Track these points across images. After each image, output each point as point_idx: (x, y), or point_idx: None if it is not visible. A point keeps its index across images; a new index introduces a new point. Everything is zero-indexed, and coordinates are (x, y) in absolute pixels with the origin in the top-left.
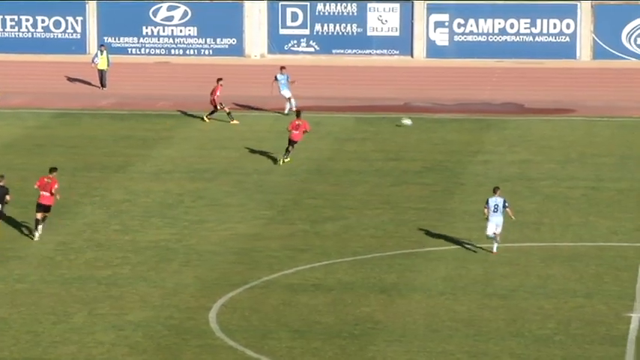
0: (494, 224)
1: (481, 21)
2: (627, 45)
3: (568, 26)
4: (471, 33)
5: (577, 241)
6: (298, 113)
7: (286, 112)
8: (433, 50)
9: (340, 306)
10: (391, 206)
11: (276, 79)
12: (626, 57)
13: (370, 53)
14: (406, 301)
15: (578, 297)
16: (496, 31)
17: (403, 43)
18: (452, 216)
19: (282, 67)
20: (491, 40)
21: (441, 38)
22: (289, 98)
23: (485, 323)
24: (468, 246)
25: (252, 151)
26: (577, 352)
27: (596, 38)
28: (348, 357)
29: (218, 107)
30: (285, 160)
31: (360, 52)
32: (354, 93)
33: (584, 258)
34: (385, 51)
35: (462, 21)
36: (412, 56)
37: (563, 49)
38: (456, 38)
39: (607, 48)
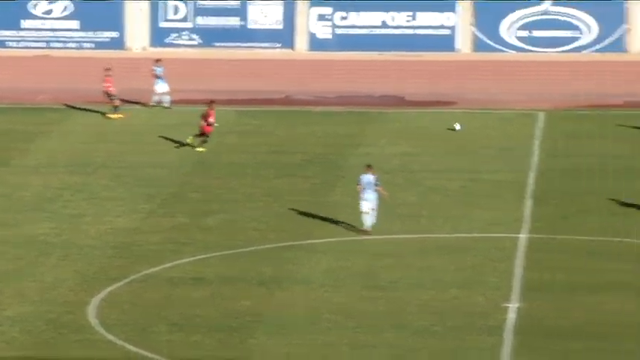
0: (368, 201)
1: (363, 14)
2: (506, 38)
3: (448, 19)
4: (353, 26)
5: (456, 232)
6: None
7: (152, 103)
8: (315, 43)
9: (220, 299)
10: (274, 199)
11: (154, 71)
12: (506, 50)
13: (252, 46)
14: (287, 294)
15: (457, 288)
16: (378, 24)
17: (285, 36)
18: (334, 208)
19: (158, 60)
20: (372, 32)
21: (323, 31)
22: (163, 92)
23: (365, 315)
24: (350, 238)
25: (133, 144)
26: (455, 344)
27: (475, 31)
28: (227, 350)
29: (110, 97)
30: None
31: (242, 45)
32: (236, 86)
33: (462, 249)
34: (267, 44)
35: (344, 14)
36: (294, 49)
37: (443, 41)
38: (338, 31)
39: (487, 41)
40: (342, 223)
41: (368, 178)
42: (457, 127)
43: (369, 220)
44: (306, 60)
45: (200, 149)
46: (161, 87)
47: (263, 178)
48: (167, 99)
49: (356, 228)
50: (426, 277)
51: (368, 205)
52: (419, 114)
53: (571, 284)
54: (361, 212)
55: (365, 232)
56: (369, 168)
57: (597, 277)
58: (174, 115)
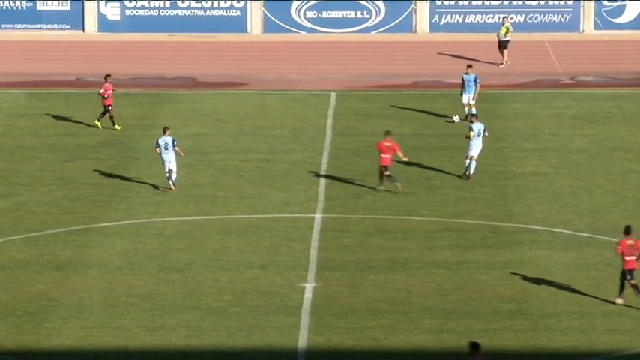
0: (167, 162)
1: None
2: (297, 19)
3: (239, 1)
4: (143, 7)
5: (251, 213)
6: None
7: None
8: (105, 24)
9: (14, 284)
10: (65, 182)
11: None
12: (296, 30)
13: (41, 28)
14: (82, 277)
15: (254, 269)
16: (168, 5)
17: (74, 17)
18: (127, 191)
19: None
20: (162, 14)
21: (113, 12)
22: None
23: (162, 297)
24: (144, 220)
25: None
26: (253, 323)
27: (266, 12)
28: (23, 335)
29: None
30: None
31: (30, 26)
32: (25, 68)
33: (258, 230)
34: (56, 25)
35: None
36: (84, 31)
37: (234, 22)
38: (128, 12)
39: (277, 22)
40: (136, 205)
41: (164, 140)
42: (456, 119)
43: (171, 182)
44: (96, 42)
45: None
46: None
47: (55, 162)
48: None
49: (148, 210)
50: (223, 258)
51: (167, 166)
52: (212, 95)
53: (365, 262)
54: (165, 172)
55: (170, 189)
56: (166, 130)
57: (389, 254)
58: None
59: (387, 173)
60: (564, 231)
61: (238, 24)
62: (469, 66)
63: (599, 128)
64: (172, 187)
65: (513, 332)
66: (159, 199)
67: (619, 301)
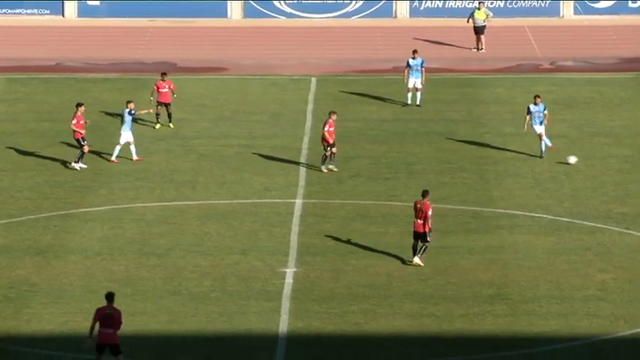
0: (126, 132)
1: None
2: (277, 4)
3: None
4: None
5: (232, 198)
6: None
7: None
8: (85, 10)
9: None
10: (46, 168)
11: None
12: (276, 15)
13: (20, 13)
14: (62, 263)
15: (234, 254)
16: None
17: (54, 2)
18: (107, 176)
19: None
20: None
21: None
22: None
23: (142, 282)
24: (124, 206)
25: None
26: (233, 308)
27: None
28: (3, 320)
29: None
30: None
31: (10, 11)
32: (4, 54)
33: (239, 215)
34: (36, 10)
35: None
36: (64, 16)
37: (214, 8)
38: None
39: (257, 7)
40: (116, 190)
41: (128, 116)
42: (572, 160)
43: (133, 150)
44: (76, 27)
45: None
46: None
47: (34, 147)
48: None
49: (129, 196)
50: (203, 244)
51: (126, 137)
52: (192, 80)
53: (345, 248)
54: (120, 144)
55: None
56: (129, 103)
57: (370, 239)
58: None
59: (334, 150)
60: (544, 216)
61: (218, 9)
62: (414, 51)
63: (579, 113)
64: (138, 157)
65: (493, 317)
66: (139, 185)
67: None
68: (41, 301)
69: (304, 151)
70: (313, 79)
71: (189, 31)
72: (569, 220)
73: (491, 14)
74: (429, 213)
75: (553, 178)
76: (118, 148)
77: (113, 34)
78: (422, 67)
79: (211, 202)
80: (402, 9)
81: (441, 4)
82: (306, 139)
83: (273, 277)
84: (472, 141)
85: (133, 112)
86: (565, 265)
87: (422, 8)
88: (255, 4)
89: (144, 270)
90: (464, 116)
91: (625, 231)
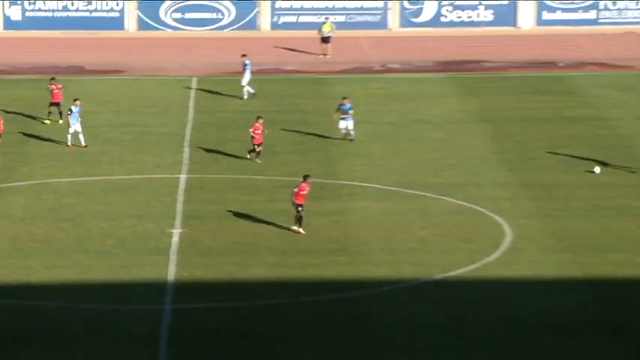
0: (74, 129)
1: (47, 0)
2: (164, 19)
3: (117, 4)
4: (40, 9)
5: (130, 174)
6: None
7: None
8: (9, 24)
9: None
10: None
11: None
12: (164, 28)
13: None
14: None
15: (132, 218)
16: (60, 7)
17: None
18: (29, 158)
19: None
20: (56, 15)
21: (15, 14)
22: None
23: (58, 242)
24: (43, 181)
25: None
26: (132, 262)
27: (140, 13)
28: None
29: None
30: None
31: None
32: None
33: (136, 188)
34: None
35: (31, 0)
36: None
37: (114, 22)
38: (28, 14)
39: (149, 21)
40: (36, 168)
41: (77, 109)
42: (597, 170)
43: (81, 138)
44: (2, 38)
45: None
46: None
47: None
48: None
49: (46, 173)
50: (107, 211)
51: (74, 127)
52: (97, 80)
53: (221, 213)
54: (70, 133)
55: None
56: (76, 100)
57: (241, 206)
58: None
59: (259, 149)
60: (377, 186)
61: (118, 23)
62: (243, 55)
63: (404, 105)
64: (84, 143)
65: (337, 266)
66: (55, 164)
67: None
68: None
69: (187, 136)
70: (194, 79)
71: (94, 40)
72: (396, 189)
73: (335, 27)
74: (305, 192)
75: (383, 156)
76: (69, 136)
77: (33, 43)
78: (248, 67)
79: (113, 177)
80: (265, 23)
81: (295, 19)
82: (189, 127)
83: (163, 237)
84: (320, 128)
85: (79, 107)
86: (393, 224)
87: (280, 22)
88: (147, 19)
89: (59, 232)
90: (314, 108)
91: (439, 197)
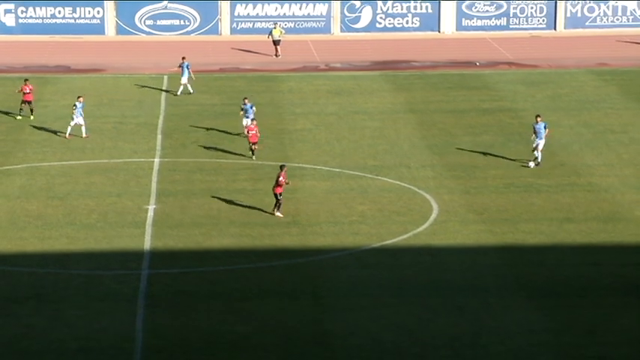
0: (76, 121)
1: (37, 9)
2: (139, 25)
3: (99, 12)
4: (31, 17)
5: (110, 158)
6: None
7: None
8: (3, 29)
9: None
10: None
11: None
12: (139, 33)
13: None
14: None
15: (113, 197)
16: (49, 15)
17: None
18: (24, 144)
19: None
20: (45, 21)
21: (10, 20)
22: None
23: (49, 217)
24: (35, 164)
25: None
26: (113, 234)
27: (118, 20)
28: None
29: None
30: None
31: None
32: None
33: (115, 170)
34: None
35: (23, 9)
36: None
37: (95, 27)
38: (21, 20)
39: (126, 27)
40: (30, 154)
41: (80, 104)
42: (531, 165)
43: (83, 129)
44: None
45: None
46: None
47: None
48: None
49: (38, 158)
50: (91, 190)
51: (77, 120)
52: (80, 78)
53: (189, 191)
54: (71, 125)
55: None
56: (80, 97)
57: (206, 185)
58: None
59: (255, 147)
60: (323, 167)
61: (99, 28)
62: (183, 58)
63: (345, 98)
64: (85, 134)
65: (290, 236)
66: (45, 150)
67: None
68: None
69: (160, 126)
70: (165, 77)
71: (78, 43)
72: (340, 170)
73: (284, 32)
74: (282, 179)
75: (328, 143)
76: (69, 128)
77: (25, 46)
78: (188, 68)
79: (96, 161)
80: (226, 28)
81: (252, 25)
82: (161, 118)
83: (140, 212)
84: (274, 118)
85: (82, 103)
86: (337, 200)
87: (238, 28)
88: (124, 25)
89: (49, 208)
90: (268, 101)
91: (376, 177)
